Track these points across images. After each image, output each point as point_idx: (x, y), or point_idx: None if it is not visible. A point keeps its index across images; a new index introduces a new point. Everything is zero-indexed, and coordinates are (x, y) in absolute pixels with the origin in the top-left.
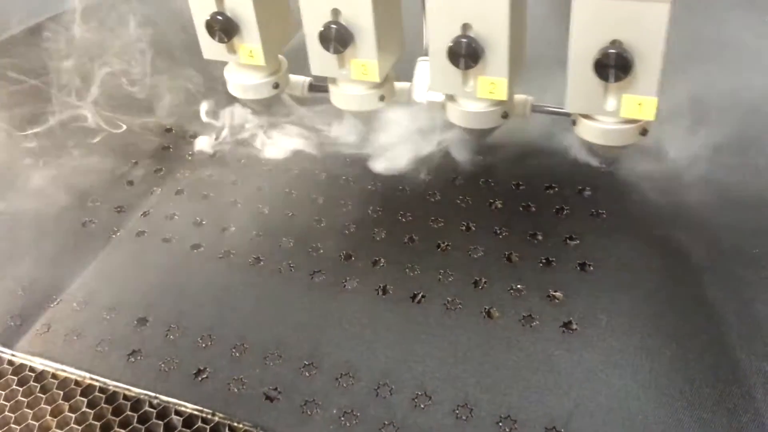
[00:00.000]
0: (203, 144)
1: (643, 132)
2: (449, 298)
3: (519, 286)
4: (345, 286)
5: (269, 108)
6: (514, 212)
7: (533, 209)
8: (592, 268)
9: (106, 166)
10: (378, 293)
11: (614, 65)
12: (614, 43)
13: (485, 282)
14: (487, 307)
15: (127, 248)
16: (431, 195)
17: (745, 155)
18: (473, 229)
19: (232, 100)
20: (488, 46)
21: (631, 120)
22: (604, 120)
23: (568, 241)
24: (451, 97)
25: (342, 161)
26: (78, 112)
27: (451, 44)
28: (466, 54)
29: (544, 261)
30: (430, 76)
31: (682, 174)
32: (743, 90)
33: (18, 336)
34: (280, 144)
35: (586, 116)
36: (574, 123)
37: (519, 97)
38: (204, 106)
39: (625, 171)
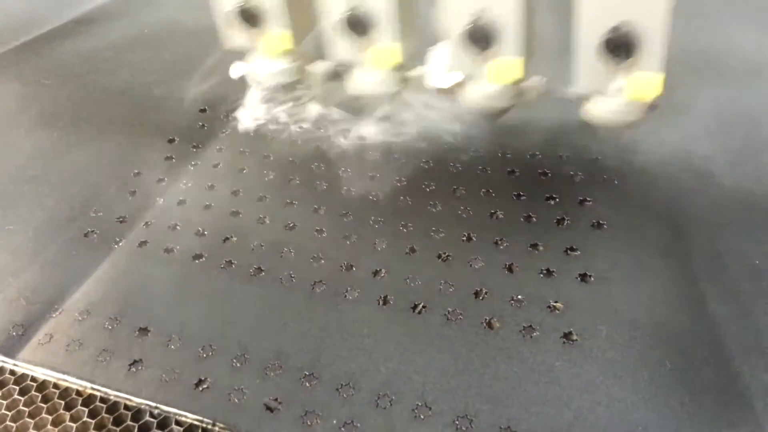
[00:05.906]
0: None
1: (652, 107)
2: (450, 309)
3: (520, 296)
4: (346, 296)
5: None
6: (515, 223)
7: (534, 220)
8: (592, 279)
9: (108, 176)
10: (379, 304)
11: (621, 45)
12: (620, 23)
13: (486, 293)
14: (487, 318)
15: (129, 258)
16: (432, 205)
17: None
18: (474, 239)
19: None
20: (503, 29)
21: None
22: (614, 99)
23: (569, 251)
24: (465, 81)
25: (342, 172)
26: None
27: (470, 27)
28: (484, 36)
29: (545, 272)
30: (450, 58)
31: (684, 185)
32: None
33: (20, 345)
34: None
35: (594, 96)
36: (581, 104)
37: (531, 79)
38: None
39: (627, 182)
